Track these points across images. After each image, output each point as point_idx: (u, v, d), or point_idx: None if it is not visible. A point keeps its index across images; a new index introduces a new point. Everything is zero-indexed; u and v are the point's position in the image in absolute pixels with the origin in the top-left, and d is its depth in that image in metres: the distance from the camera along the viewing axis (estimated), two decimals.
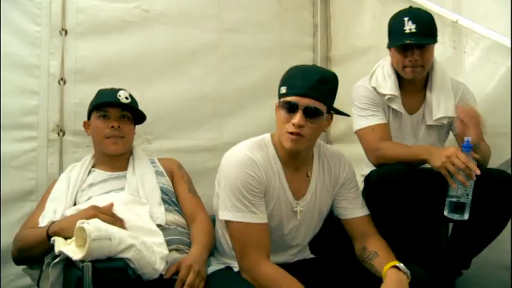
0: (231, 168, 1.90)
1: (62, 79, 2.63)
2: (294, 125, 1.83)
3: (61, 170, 2.58)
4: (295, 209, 2.00)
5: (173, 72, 2.95)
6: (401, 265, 1.84)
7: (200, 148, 3.03)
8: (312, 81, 1.83)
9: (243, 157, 1.90)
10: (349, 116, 2.07)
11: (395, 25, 2.31)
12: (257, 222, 1.87)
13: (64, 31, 2.63)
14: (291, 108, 1.84)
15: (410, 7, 2.36)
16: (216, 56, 3.09)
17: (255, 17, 3.23)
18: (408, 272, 1.84)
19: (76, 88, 2.66)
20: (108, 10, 2.76)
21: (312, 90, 1.83)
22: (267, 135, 2.02)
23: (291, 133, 1.85)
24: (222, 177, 1.92)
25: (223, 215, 1.90)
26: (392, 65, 2.40)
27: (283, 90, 1.88)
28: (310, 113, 1.83)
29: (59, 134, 2.63)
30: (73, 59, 2.66)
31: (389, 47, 2.35)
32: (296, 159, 1.98)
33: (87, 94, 2.52)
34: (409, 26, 2.22)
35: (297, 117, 1.82)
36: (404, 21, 2.24)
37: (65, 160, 2.62)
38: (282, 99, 1.88)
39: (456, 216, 1.98)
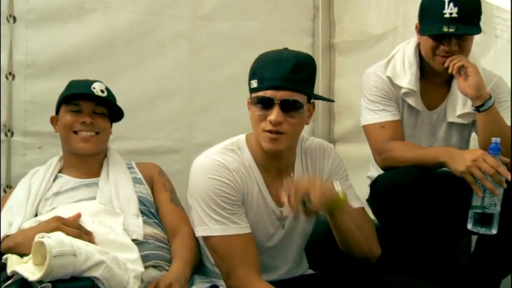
0: (200, 177, 1.90)
1: (10, 73, 2.66)
2: (271, 122, 1.82)
3: (9, 173, 2.66)
4: (279, 217, 2.00)
5: (137, 67, 3.01)
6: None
7: (165, 149, 3.11)
8: (286, 70, 1.81)
9: (212, 162, 1.90)
10: (333, 101, 2.07)
11: (432, 5, 2.24)
12: (240, 233, 1.87)
13: (12, 18, 2.65)
14: (266, 104, 1.82)
15: None
16: (187, 49, 3.15)
17: (238, 2, 3.30)
18: (339, 188, 1.84)
19: (27, 84, 2.69)
20: None
21: (287, 80, 1.81)
22: (242, 137, 2.02)
23: (269, 131, 1.84)
24: (192, 188, 1.93)
25: (200, 230, 1.91)
26: (416, 51, 2.38)
27: (254, 84, 1.86)
28: (288, 107, 1.81)
29: (6, 135, 2.68)
30: (23, 51, 2.69)
31: (422, 33, 2.29)
32: (277, 161, 1.97)
33: (40, 91, 2.68)
34: (450, 10, 2.16)
35: (274, 114, 1.80)
36: (444, 2, 2.17)
37: (13, 163, 2.68)
38: (253, 95, 1.86)
39: (482, 230, 1.98)
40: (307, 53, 1.97)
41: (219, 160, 1.90)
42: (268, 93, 1.81)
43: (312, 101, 1.94)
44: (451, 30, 2.16)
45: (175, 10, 3.10)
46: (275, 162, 1.97)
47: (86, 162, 2.28)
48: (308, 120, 1.96)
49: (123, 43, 2.95)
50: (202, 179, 1.89)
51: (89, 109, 2.24)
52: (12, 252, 1.81)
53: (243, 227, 1.88)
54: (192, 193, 1.92)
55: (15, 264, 1.73)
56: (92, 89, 2.24)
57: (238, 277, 1.84)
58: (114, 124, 2.36)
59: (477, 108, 2.18)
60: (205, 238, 1.92)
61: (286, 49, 1.93)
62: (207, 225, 1.87)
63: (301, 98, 1.83)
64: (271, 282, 1.87)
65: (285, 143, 1.87)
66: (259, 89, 1.83)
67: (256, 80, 1.85)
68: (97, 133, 2.25)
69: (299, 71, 1.82)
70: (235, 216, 1.88)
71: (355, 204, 2.06)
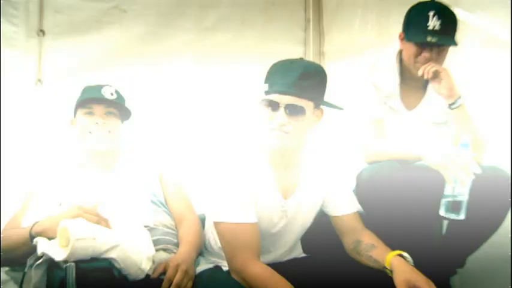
0: (219, 168, 2.01)
1: (39, 80, 2.84)
2: (276, 123, 1.91)
3: None
4: (283, 208, 2.09)
5: (148, 74, 3.14)
6: (405, 254, 1.99)
7: None
8: (293, 78, 1.89)
9: (230, 156, 2.02)
10: (342, 109, 2.20)
11: (417, 18, 2.32)
12: (247, 222, 1.95)
13: (42, 32, 2.84)
14: (273, 106, 1.92)
15: (433, 0, 2.36)
16: (192, 57, 3.31)
17: (238, 15, 3.44)
18: (412, 262, 1.98)
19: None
20: (86, 10, 2.96)
21: (293, 87, 1.89)
22: (257, 135, 2.07)
23: (275, 131, 1.93)
24: (211, 178, 2.03)
25: (213, 215, 2.01)
26: (398, 58, 2.48)
27: (266, 87, 1.95)
28: (292, 111, 1.90)
29: None
30: (50, 61, 2.86)
31: (408, 39, 2.37)
32: (285, 159, 2.05)
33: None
34: (434, 23, 2.25)
35: (279, 116, 1.90)
36: (429, 16, 2.26)
37: None
38: (264, 97, 1.95)
39: (453, 216, 2.09)
40: (318, 64, 2.05)
41: (235, 154, 2.02)
42: (275, 97, 1.91)
43: (320, 107, 2.01)
44: (434, 40, 2.26)
45: (181, 22, 3.26)
46: (283, 159, 2.05)
47: (102, 158, 2.38)
48: (315, 124, 2.04)
49: (136, 52, 3.11)
50: (221, 171, 2.00)
51: (100, 111, 2.35)
52: (41, 236, 1.95)
53: (250, 217, 1.96)
54: (211, 182, 2.03)
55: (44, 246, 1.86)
56: (102, 92, 2.35)
57: (239, 260, 1.93)
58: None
59: (450, 106, 2.29)
60: (216, 223, 2.00)
61: (301, 58, 2.02)
62: (218, 212, 1.97)
63: (305, 103, 1.92)
64: (270, 264, 1.98)
65: (289, 142, 1.95)
66: (269, 93, 1.93)
67: (267, 84, 1.95)
68: (109, 132, 2.35)
69: (305, 79, 1.90)
70: (246, 206, 1.97)
71: (353, 207, 2.22)
